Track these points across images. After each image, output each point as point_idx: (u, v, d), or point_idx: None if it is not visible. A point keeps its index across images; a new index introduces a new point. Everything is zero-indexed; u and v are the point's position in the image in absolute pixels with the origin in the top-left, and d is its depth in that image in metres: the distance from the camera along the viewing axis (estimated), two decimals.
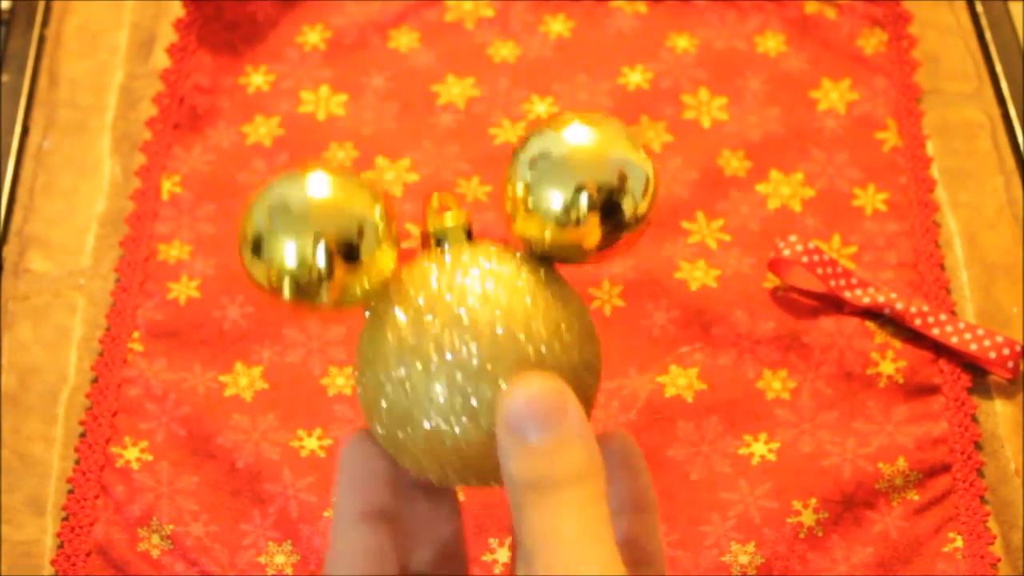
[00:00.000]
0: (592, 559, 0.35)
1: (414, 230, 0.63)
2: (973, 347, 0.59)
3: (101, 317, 0.62)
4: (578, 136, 0.38)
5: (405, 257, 0.39)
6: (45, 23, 0.71)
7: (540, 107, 0.67)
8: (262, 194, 0.38)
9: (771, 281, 0.62)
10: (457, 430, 0.36)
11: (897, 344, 0.60)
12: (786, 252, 0.60)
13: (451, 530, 0.40)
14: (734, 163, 0.65)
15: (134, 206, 0.65)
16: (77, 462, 0.58)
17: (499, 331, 0.37)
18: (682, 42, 0.69)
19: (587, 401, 0.38)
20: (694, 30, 0.69)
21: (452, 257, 0.38)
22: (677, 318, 0.61)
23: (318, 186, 0.38)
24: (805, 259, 0.60)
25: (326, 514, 0.56)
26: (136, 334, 0.61)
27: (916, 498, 0.57)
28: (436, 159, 0.66)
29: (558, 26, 0.70)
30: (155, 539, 0.56)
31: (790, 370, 0.60)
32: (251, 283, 0.38)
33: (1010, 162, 0.67)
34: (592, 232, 0.37)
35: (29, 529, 0.57)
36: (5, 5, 0.71)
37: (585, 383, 0.38)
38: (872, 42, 0.69)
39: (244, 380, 0.60)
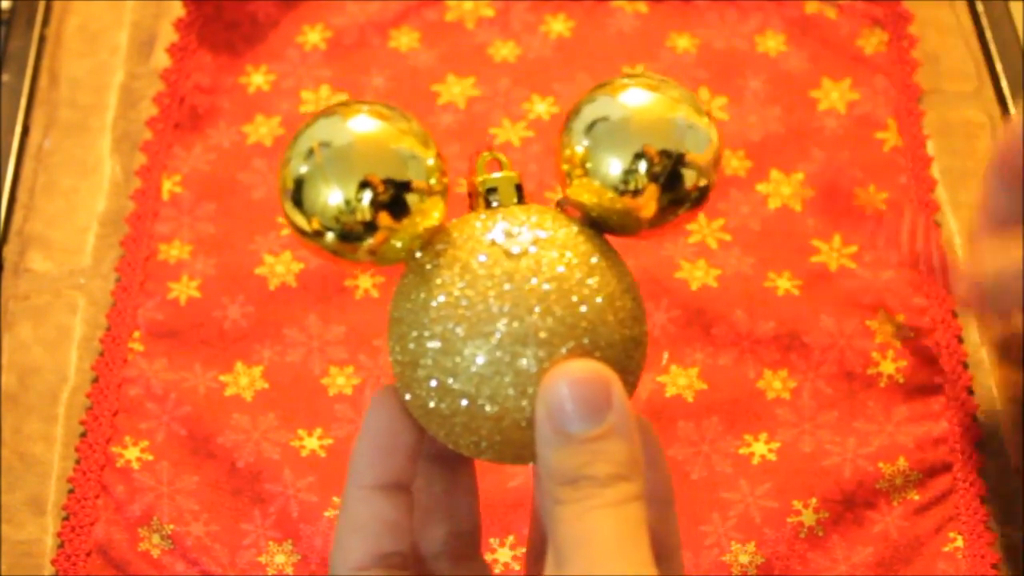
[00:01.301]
0: (628, 562, 0.33)
1: None
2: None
3: (101, 317, 0.62)
4: (638, 99, 0.36)
5: (452, 212, 0.37)
6: (45, 23, 0.71)
7: (540, 107, 0.67)
8: (303, 133, 0.35)
9: (771, 281, 0.62)
10: (498, 401, 0.35)
11: (897, 344, 0.60)
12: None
13: (467, 507, 0.39)
14: (734, 163, 0.65)
15: (134, 206, 0.65)
16: (77, 462, 0.58)
17: (552, 299, 0.34)
18: (682, 42, 0.69)
19: (632, 381, 0.36)
20: (694, 30, 0.69)
21: (504, 215, 0.36)
22: (677, 318, 0.61)
23: (365, 126, 0.35)
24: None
25: (327, 514, 0.56)
26: (136, 334, 0.61)
27: (917, 498, 0.57)
28: None
29: (558, 26, 0.70)
30: (155, 539, 0.56)
31: (790, 370, 0.60)
32: (292, 231, 0.36)
33: None
34: (650, 203, 0.36)
35: (29, 529, 0.57)
36: (5, 5, 0.71)
37: (634, 362, 0.36)
38: (872, 42, 0.69)
39: (244, 380, 0.60)
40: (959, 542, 0.56)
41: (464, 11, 0.70)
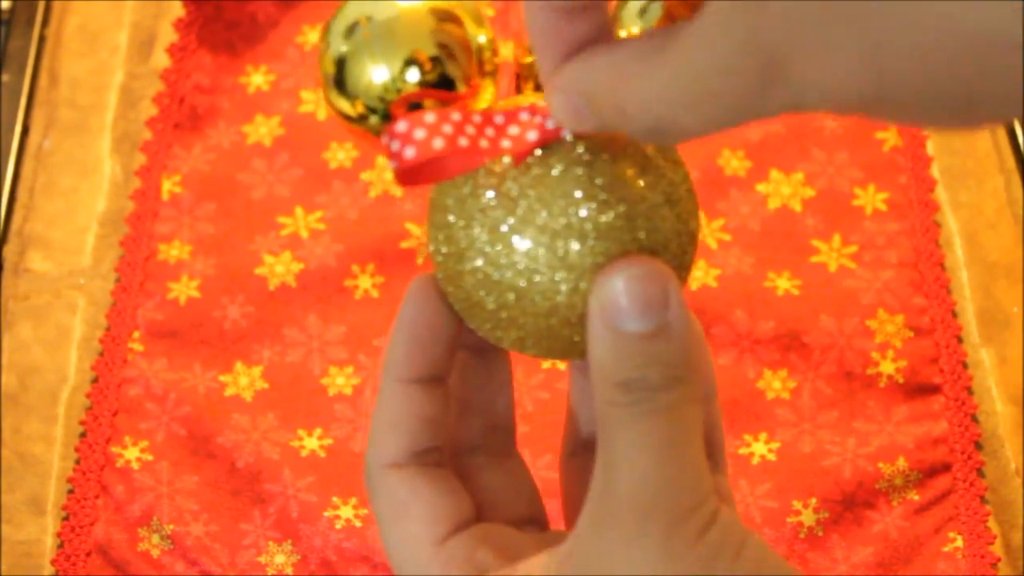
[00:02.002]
0: (683, 468, 0.32)
1: (415, 230, 0.63)
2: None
3: (101, 317, 0.62)
4: None
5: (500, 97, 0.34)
6: (45, 23, 0.71)
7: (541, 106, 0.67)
8: (344, 9, 0.32)
9: (771, 280, 0.62)
10: (548, 296, 0.33)
11: (897, 344, 0.60)
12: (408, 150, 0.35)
13: (503, 401, 0.38)
14: (734, 163, 0.65)
15: (134, 206, 0.65)
16: (77, 462, 0.58)
17: (609, 192, 0.33)
18: None
19: (685, 277, 0.35)
20: None
21: None
22: None
23: None
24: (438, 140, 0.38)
25: (326, 514, 0.56)
26: (136, 334, 0.61)
27: (916, 498, 0.57)
28: None
29: None
30: (155, 539, 0.56)
31: (790, 370, 0.60)
32: (337, 116, 0.33)
33: (1010, 162, 0.67)
34: None
35: (29, 529, 0.57)
36: (5, 5, 0.71)
37: (688, 257, 0.35)
38: None
39: (244, 380, 0.60)
40: (959, 542, 0.56)
41: None
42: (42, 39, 0.71)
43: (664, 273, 0.33)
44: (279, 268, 0.62)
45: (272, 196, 0.65)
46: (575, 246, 0.33)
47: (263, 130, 0.67)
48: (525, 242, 0.33)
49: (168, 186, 0.65)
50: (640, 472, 0.32)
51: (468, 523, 0.35)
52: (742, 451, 0.58)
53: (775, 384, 0.60)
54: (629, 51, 0.30)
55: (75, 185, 0.66)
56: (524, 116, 0.34)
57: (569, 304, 0.33)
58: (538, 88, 0.34)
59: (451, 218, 0.34)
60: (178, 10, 0.70)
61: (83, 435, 0.58)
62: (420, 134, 0.32)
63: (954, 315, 0.61)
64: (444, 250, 0.34)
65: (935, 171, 0.66)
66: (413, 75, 0.32)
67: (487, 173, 0.34)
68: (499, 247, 0.33)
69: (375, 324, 0.61)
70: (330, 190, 0.65)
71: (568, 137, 0.34)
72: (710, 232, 0.63)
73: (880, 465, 0.57)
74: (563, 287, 0.33)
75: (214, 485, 0.57)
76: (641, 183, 0.34)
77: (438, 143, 0.32)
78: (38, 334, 0.62)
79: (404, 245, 0.63)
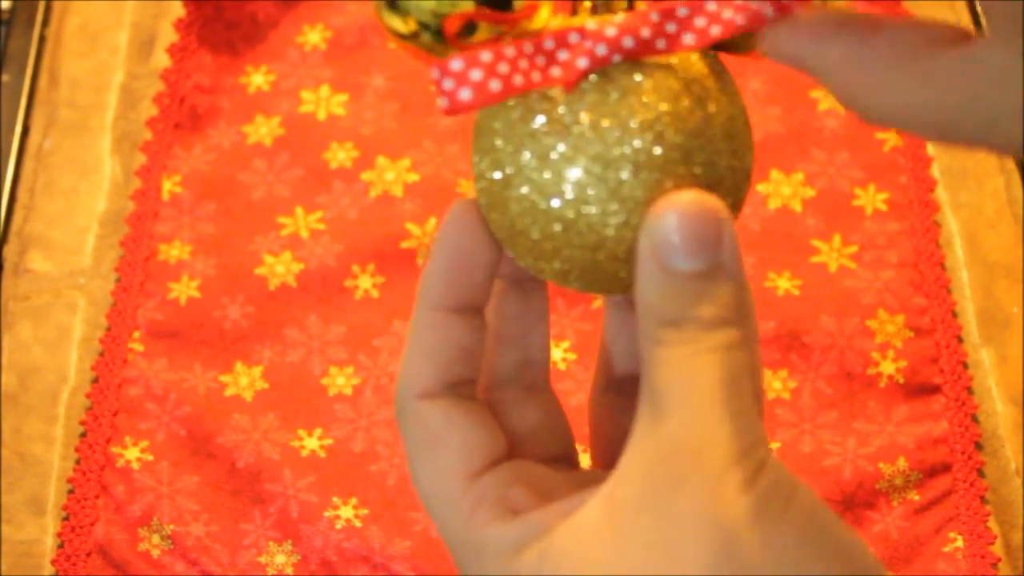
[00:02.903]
0: (732, 413, 0.31)
1: (415, 230, 0.63)
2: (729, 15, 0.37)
3: (101, 317, 0.62)
4: None
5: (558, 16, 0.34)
6: (45, 23, 0.71)
7: None
8: None
9: (771, 281, 0.62)
10: (597, 229, 0.32)
11: (898, 344, 0.60)
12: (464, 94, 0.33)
13: (539, 334, 0.37)
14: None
15: (134, 206, 0.65)
16: (77, 462, 0.58)
17: (665, 123, 0.32)
18: None
19: (737, 213, 0.34)
20: None
21: (624, 18, 0.33)
22: None
23: None
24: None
25: (326, 514, 0.56)
26: (136, 334, 0.61)
27: (916, 498, 0.57)
28: (437, 159, 0.66)
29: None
30: (155, 539, 0.56)
31: (790, 370, 0.60)
32: (390, 34, 0.33)
33: (1010, 162, 0.67)
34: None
35: (29, 529, 0.57)
36: (5, 5, 0.71)
37: (742, 193, 0.34)
38: None
39: (244, 380, 0.60)
40: (959, 542, 0.56)
41: None
42: (42, 39, 0.71)
43: (719, 210, 0.32)
44: (279, 268, 0.62)
45: (272, 196, 0.65)
46: (627, 177, 0.32)
47: (263, 130, 0.67)
48: (575, 170, 0.32)
49: (168, 186, 0.65)
50: (691, 413, 0.31)
51: (501, 459, 0.34)
52: None
53: (775, 384, 0.60)
54: (880, 52, 0.30)
55: (75, 185, 0.66)
56: (574, 38, 0.32)
57: (618, 238, 0.32)
58: (595, 10, 0.34)
59: (499, 142, 0.33)
60: (178, 10, 0.70)
61: (83, 435, 0.58)
62: (476, 75, 0.31)
63: (954, 315, 0.61)
64: (489, 175, 0.33)
65: (935, 171, 0.66)
66: None
67: (540, 97, 0.32)
68: (548, 174, 0.32)
69: (375, 324, 0.61)
70: (330, 190, 0.65)
71: (617, 62, 0.32)
72: None
73: (880, 465, 0.57)
74: (613, 220, 0.32)
75: (214, 485, 0.57)
76: (699, 114, 0.33)
77: (495, 85, 0.31)
78: (38, 334, 0.62)
79: (404, 245, 0.63)
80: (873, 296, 0.61)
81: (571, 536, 0.32)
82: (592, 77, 0.32)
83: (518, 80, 0.31)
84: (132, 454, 0.58)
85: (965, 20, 0.71)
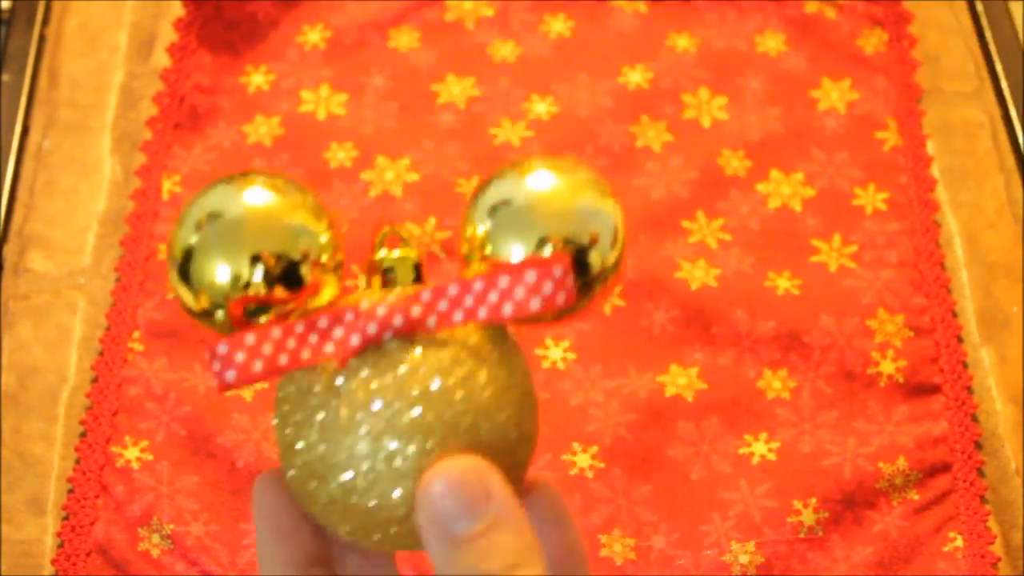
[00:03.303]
0: None
1: (415, 230, 0.63)
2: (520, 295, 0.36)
3: (101, 317, 0.62)
4: (542, 183, 0.34)
5: (345, 292, 0.36)
6: (45, 22, 0.71)
7: (540, 107, 0.67)
8: (195, 202, 0.33)
9: (771, 280, 0.62)
10: (375, 496, 0.33)
11: (897, 343, 0.60)
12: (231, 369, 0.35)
13: (386, 558, 0.38)
14: (734, 163, 0.65)
15: (134, 205, 0.65)
16: (77, 462, 0.58)
17: (434, 395, 0.33)
18: (682, 41, 0.69)
19: (519, 475, 0.35)
20: (694, 30, 0.69)
21: (396, 297, 0.34)
22: (677, 317, 0.61)
23: (257, 198, 0.34)
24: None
25: None
26: (136, 334, 0.61)
27: (916, 497, 0.57)
28: (436, 159, 0.66)
29: (558, 25, 0.70)
30: (155, 539, 0.56)
31: (790, 370, 0.60)
32: (178, 305, 0.35)
33: (1010, 162, 0.67)
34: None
35: (29, 529, 0.57)
36: (5, 5, 0.71)
37: (518, 458, 0.34)
38: (872, 42, 0.69)
39: None
40: (959, 542, 0.56)
41: (464, 11, 0.70)
42: (42, 39, 0.71)
43: (481, 468, 0.33)
44: None
45: None
46: (398, 447, 0.32)
47: (263, 130, 0.67)
48: (351, 440, 0.32)
49: (168, 186, 0.65)
50: None
51: None
52: (742, 451, 0.58)
53: (775, 384, 0.60)
54: None
55: (75, 185, 0.66)
56: (349, 316, 0.34)
57: (397, 504, 0.33)
58: (386, 284, 0.35)
59: (287, 408, 0.34)
60: (178, 10, 0.70)
61: (83, 435, 0.58)
62: (240, 357, 0.33)
63: (954, 315, 0.61)
64: (281, 440, 0.34)
65: (935, 171, 0.66)
66: (259, 273, 0.33)
67: (321, 371, 0.33)
68: (327, 444, 0.33)
69: None
70: (330, 190, 0.65)
71: (388, 339, 0.34)
72: (710, 232, 0.63)
73: (880, 465, 0.57)
74: (390, 489, 0.33)
75: (214, 485, 0.57)
76: (470, 386, 0.33)
77: (258, 366, 0.33)
78: (38, 334, 0.62)
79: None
80: (873, 296, 0.61)
81: None
82: (367, 352, 0.33)
83: (283, 360, 0.33)
84: (132, 454, 0.58)
85: (965, 20, 0.71)
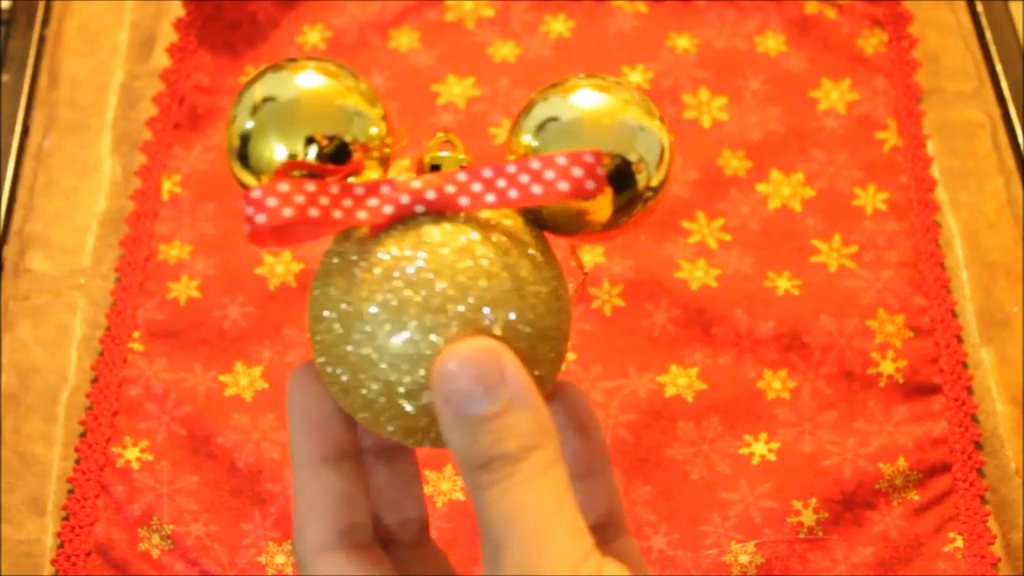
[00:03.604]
0: (560, 533, 0.32)
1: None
2: (549, 178, 0.37)
3: (101, 317, 0.62)
4: (588, 100, 0.35)
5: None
6: (45, 23, 0.71)
7: None
8: (248, 88, 0.35)
9: (771, 280, 0.62)
10: (395, 371, 0.33)
11: (897, 344, 0.60)
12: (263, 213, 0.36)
13: (412, 495, 0.39)
14: (734, 163, 0.65)
15: (134, 206, 0.65)
16: (77, 462, 0.58)
17: (460, 282, 0.33)
18: (682, 42, 0.69)
19: (543, 375, 0.35)
20: (694, 30, 0.69)
21: (432, 175, 0.35)
22: (677, 318, 0.61)
23: (311, 81, 0.35)
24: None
25: None
26: (136, 334, 0.61)
27: (916, 498, 0.57)
28: None
29: (558, 26, 0.70)
30: (155, 539, 0.56)
31: (790, 370, 0.60)
32: (240, 189, 0.35)
33: (1010, 162, 0.67)
34: (603, 205, 0.35)
35: (29, 529, 0.57)
36: (5, 5, 0.71)
37: (546, 354, 0.35)
38: (872, 42, 0.69)
39: (244, 380, 0.60)
40: (959, 542, 0.56)
41: (464, 11, 0.70)
42: (42, 39, 0.71)
43: (495, 348, 0.33)
44: (279, 268, 0.62)
45: None
46: (415, 326, 0.33)
47: None
48: (369, 317, 0.33)
49: (168, 186, 0.65)
50: (522, 547, 0.32)
51: None
52: (742, 451, 0.58)
53: (775, 384, 0.60)
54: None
55: (75, 185, 0.66)
56: (385, 189, 0.35)
57: (411, 389, 0.33)
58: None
59: (316, 291, 0.35)
60: (178, 10, 0.70)
61: (83, 435, 0.58)
62: (272, 202, 0.34)
63: (954, 315, 0.61)
64: (314, 336, 0.35)
65: (935, 171, 0.66)
66: (312, 153, 0.34)
67: (346, 239, 0.34)
68: (354, 332, 0.34)
69: None
70: None
71: (421, 211, 0.35)
72: (710, 232, 0.63)
73: (880, 465, 0.57)
74: (408, 377, 0.33)
75: (214, 485, 0.57)
76: (493, 272, 0.34)
77: (287, 212, 0.33)
78: (38, 334, 0.62)
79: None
80: (873, 296, 0.61)
81: None
82: (398, 228, 0.34)
83: (313, 212, 0.34)
84: (132, 454, 0.58)
85: (965, 20, 0.71)
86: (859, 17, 0.70)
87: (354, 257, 0.34)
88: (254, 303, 0.61)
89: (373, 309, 0.33)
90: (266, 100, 0.34)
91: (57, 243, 0.64)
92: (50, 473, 0.58)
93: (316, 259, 0.62)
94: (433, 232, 0.34)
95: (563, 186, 0.34)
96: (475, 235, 0.34)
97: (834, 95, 0.67)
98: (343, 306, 0.34)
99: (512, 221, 0.35)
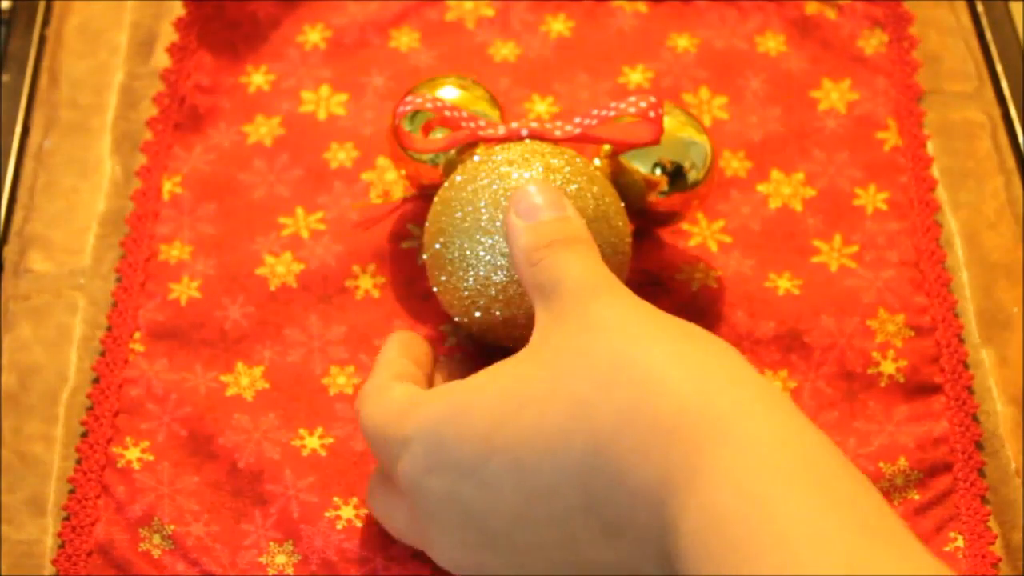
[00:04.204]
0: (602, 282, 0.46)
1: (415, 230, 0.63)
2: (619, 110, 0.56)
3: (102, 317, 0.62)
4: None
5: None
6: (45, 23, 0.71)
7: (541, 107, 0.67)
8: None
9: (771, 281, 0.62)
10: (491, 262, 0.51)
11: (898, 343, 0.60)
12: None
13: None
14: (734, 163, 0.65)
15: (134, 206, 0.65)
16: (78, 462, 0.58)
17: (555, 164, 0.53)
18: (683, 42, 0.69)
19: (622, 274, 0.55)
20: (694, 30, 0.69)
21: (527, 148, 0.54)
22: None
23: (451, 93, 0.60)
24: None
25: (327, 514, 0.56)
26: (137, 334, 0.61)
27: (917, 497, 0.57)
28: None
29: (559, 26, 0.70)
30: (156, 539, 0.56)
31: (791, 370, 0.60)
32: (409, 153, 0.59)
33: (1010, 162, 0.67)
34: (662, 185, 0.57)
35: (30, 529, 0.57)
36: (5, 5, 0.71)
37: (616, 252, 0.53)
38: (873, 43, 0.69)
39: (245, 380, 0.60)
40: (959, 542, 0.56)
41: (464, 11, 0.70)
42: (42, 39, 0.71)
43: (558, 189, 0.50)
44: (280, 268, 0.62)
45: (273, 196, 0.65)
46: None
47: (263, 130, 0.67)
48: (472, 209, 0.52)
49: (168, 186, 0.65)
50: (578, 274, 0.46)
51: None
52: None
53: (776, 384, 0.60)
54: None
55: (75, 185, 0.66)
56: (501, 129, 0.57)
57: (503, 280, 0.52)
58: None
59: (436, 201, 0.53)
60: (178, 10, 0.70)
61: (84, 435, 0.58)
62: (416, 100, 0.57)
63: (955, 314, 0.61)
64: (426, 247, 0.54)
65: (935, 171, 0.66)
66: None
67: (460, 184, 0.53)
68: (460, 239, 0.53)
69: (376, 324, 0.61)
70: (331, 190, 0.65)
71: (526, 135, 0.55)
72: (710, 234, 0.63)
73: (881, 465, 0.57)
74: (501, 274, 0.52)
75: (215, 485, 0.57)
76: (585, 187, 0.53)
77: (427, 104, 0.57)
78: (38, 334, 0.62)
79: (405, 245, 0.63)
80: (873, 296, 0.61)
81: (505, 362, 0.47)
82: (512, 147, 0.54)
83: (447, 112, 0.57)
84: (133, 454, 0.58)
85: (965, 21, 0.71)
86: (859, 18, 0.70)
87: (477, 159, 0.53)
88: (255, 303, 0.61)
89: (476, 209, 0.52)
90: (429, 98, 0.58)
91: (57, 243, 0.64)
92: (50, 473, 0.58)
93: (316, 259, 0.62)
94: (534, 146, 0.54)
95: (632, 109, 0.55)
96: (568, 155, 0.53)
97: (834, 95, 0.68)
98: (464, 192, 0.52)
99: (594, 167, 0.55)
